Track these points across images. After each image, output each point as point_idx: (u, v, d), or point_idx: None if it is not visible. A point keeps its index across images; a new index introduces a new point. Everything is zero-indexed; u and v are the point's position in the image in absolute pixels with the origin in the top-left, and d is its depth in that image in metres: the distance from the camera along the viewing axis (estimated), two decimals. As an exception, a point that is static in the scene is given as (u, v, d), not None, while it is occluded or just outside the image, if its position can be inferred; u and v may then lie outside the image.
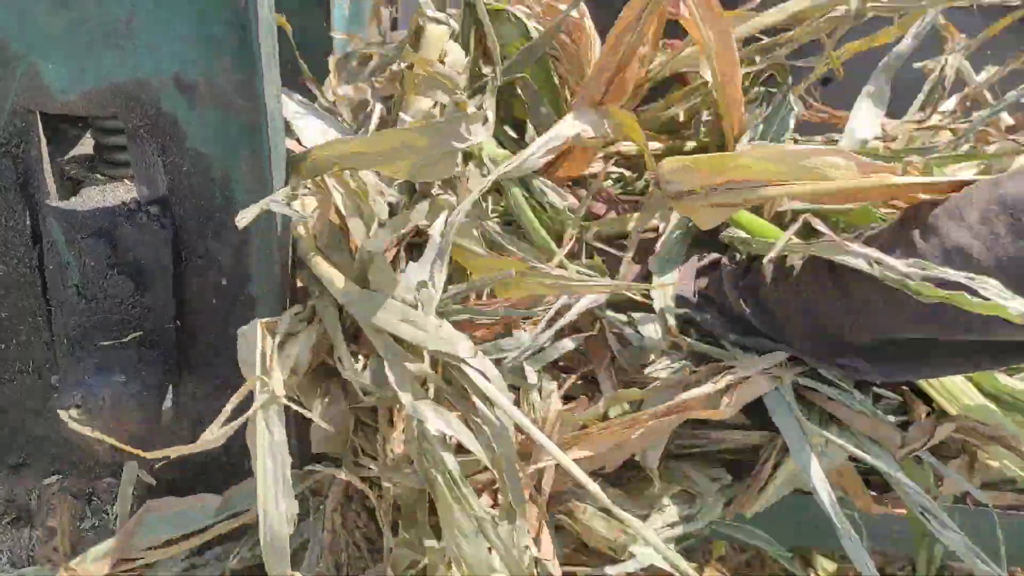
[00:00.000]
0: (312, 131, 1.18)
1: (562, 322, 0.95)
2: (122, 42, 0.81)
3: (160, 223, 0.89)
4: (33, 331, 0.97)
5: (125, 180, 0.98)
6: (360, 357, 0.92)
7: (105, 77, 0.83)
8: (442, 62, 1.14)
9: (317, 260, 0.93)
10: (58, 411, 0.88)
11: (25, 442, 1.04)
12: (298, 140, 1.16)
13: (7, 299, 0.95)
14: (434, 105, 1.12)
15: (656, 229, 1.17)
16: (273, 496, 0.80)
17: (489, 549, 0.80)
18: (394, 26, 2.21)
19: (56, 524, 0.99)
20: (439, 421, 0.82)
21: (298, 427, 0.97)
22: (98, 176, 0.99)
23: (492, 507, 0.86)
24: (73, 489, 1.02)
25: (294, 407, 0.84)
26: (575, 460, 0.83)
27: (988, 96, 1.56)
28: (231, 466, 1.00)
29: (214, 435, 0.81)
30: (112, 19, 0.80)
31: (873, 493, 1.03)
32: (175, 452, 0.82)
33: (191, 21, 0.80)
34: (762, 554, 1.53)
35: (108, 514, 1.01)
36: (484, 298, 1.01)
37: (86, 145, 1.03)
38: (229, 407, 0.81)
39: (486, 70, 1.17)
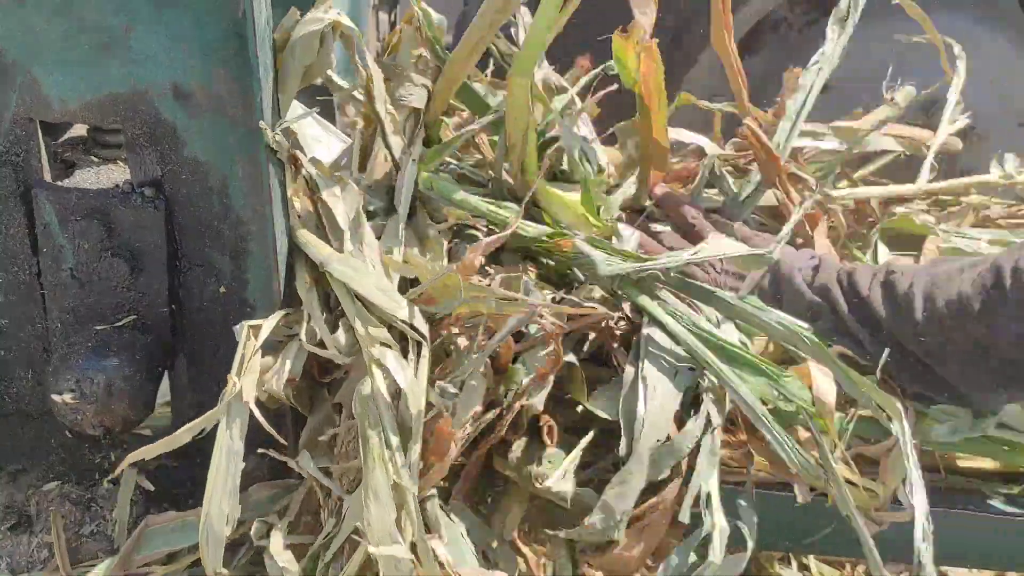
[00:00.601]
0: (311, 136, 1.19)
1: (495, 342, 0.92)
2: (121, 52, 0.82)
3: (154, 205, 0.89)
4: (32, 337, 0.97)
5: (119, 161, 0.99)
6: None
7: (104, 86, 0.84)
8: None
9: (302, 232, 0.96)
10: (52, 396, 0.88)
11: (25, 448, 1.04)
12: (300, 147, 1.17)
13: (6, 306, 0.95)
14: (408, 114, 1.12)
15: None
16: (219, 497, 0.84)
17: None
18: (392, 30, 2.22)
19: (53, 532, 0.99)
20: (399, 370, 0.86)
21: (295, 433, 0.97)
22: (92, 158, 1.00)
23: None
24: (72, 495, 1.02)
25: (259, 415, 0.85)
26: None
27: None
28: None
29: (183, 436, 0.84)
30: (110, 29, 0.81)
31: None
32: (146, 453, 0.84)
33: (189, 31, 0.81)
34: (758, 557, 1.53)
35: (107, 520, 1.01)
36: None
37: (80, 127, 1.03)
38: (212, 413, 0.83)
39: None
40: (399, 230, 1.00)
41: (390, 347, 0.89)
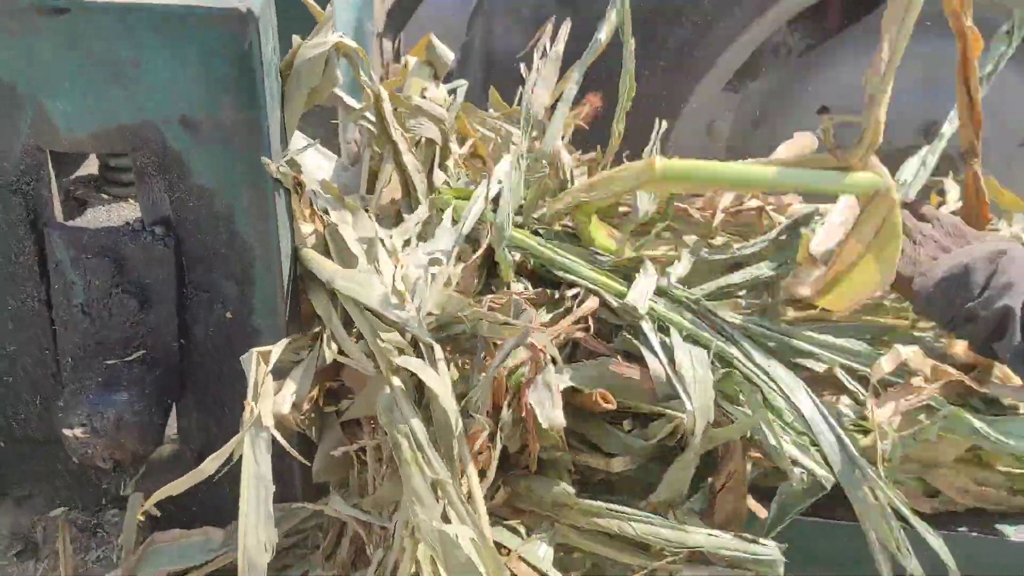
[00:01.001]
0: (312, 164, 1.20)
1: (497, 363, 0.92)
2: (129, 82, 0.83)
3: (164, 243, 0.91)
4: (40, 364, 0.98)
5: (129, 199, 1.00)
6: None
7: (113, 117, 0.85)
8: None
9: (307, 251, 0.97)
10: (63, 430, 0.88)
11: (32, 474, 1.04)
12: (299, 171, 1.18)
13: (15, 333, 0.96)
14: (417, 142, 1.14)
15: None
16: (254, 524, 0.82)
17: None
18: (396, 58, 2.24)
19: (59, 553, 1.00)
20: (426, 370, 0.86)
21: (307, 458, 0.98)
22: (103, 196, 1.01)
23: None
24: (79, 521, 1.03)
25: (280, 438, 0.85)
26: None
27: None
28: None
29: (209, 466, 0.83)
30: (119, 60, 0.83)
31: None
32: (172, 489, 0.84)
33: (197, 62, 0.82)
34: None
35: (114, 546, 1.01)
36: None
37: (91, 165, 1.05)
38: (234, 440, 0.83)
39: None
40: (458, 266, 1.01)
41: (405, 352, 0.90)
